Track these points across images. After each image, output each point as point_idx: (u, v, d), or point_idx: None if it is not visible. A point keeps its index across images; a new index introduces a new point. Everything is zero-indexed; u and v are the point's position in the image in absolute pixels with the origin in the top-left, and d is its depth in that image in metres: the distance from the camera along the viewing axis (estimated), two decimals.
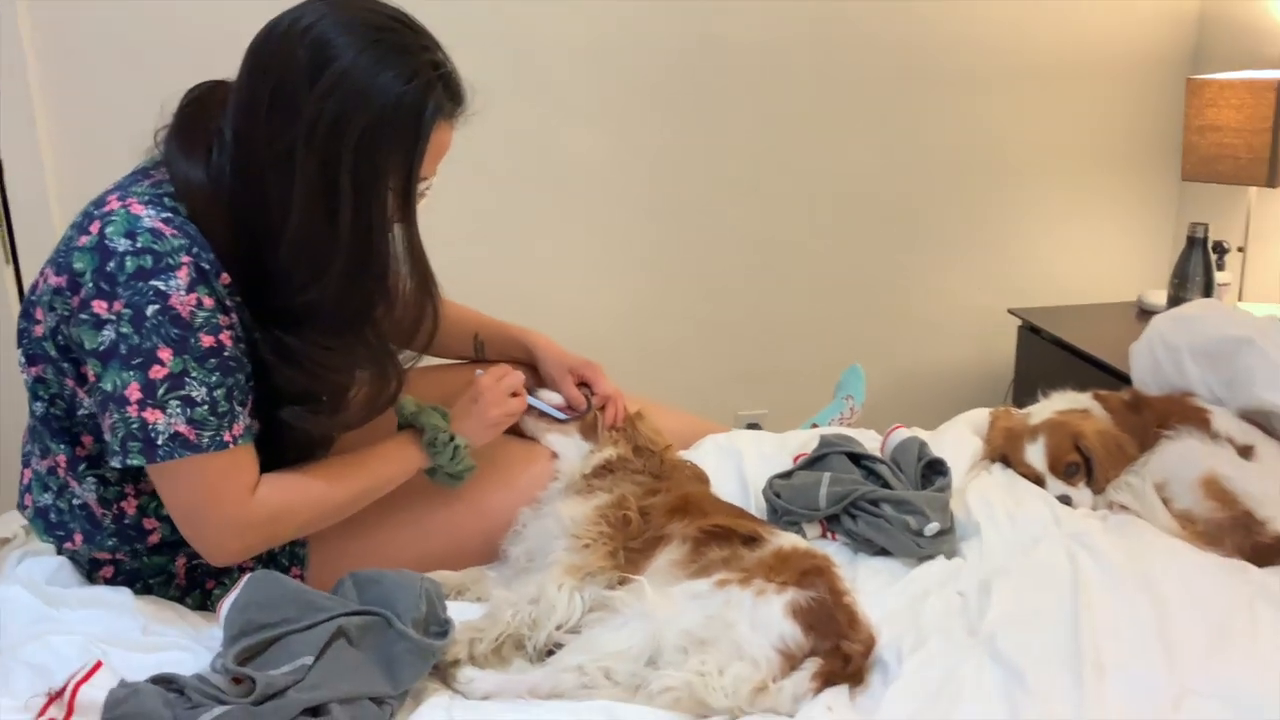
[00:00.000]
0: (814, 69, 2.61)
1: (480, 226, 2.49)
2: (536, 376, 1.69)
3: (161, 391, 1.22)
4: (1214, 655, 1.22)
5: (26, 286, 2.30)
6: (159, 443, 1.22)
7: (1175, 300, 2.36)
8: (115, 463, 1.24)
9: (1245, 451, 1.63)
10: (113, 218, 1.23)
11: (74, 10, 2.23)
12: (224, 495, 1.28)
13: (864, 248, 2.77)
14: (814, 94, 2.63)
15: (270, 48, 1.25)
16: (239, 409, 1.28)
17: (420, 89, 1.24)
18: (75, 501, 1.35)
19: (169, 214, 1.24)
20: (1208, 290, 2.36)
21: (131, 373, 1.21)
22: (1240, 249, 2.52)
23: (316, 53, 1.22)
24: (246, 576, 1.24)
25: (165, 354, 1.21)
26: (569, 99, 2.51)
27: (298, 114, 1.21)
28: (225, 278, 1.27)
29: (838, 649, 1.23)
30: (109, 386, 1.22)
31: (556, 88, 2.50)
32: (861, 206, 2.74)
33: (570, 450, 1.60)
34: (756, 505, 1.62)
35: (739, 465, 1.69)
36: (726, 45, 2.55)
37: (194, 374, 1.23)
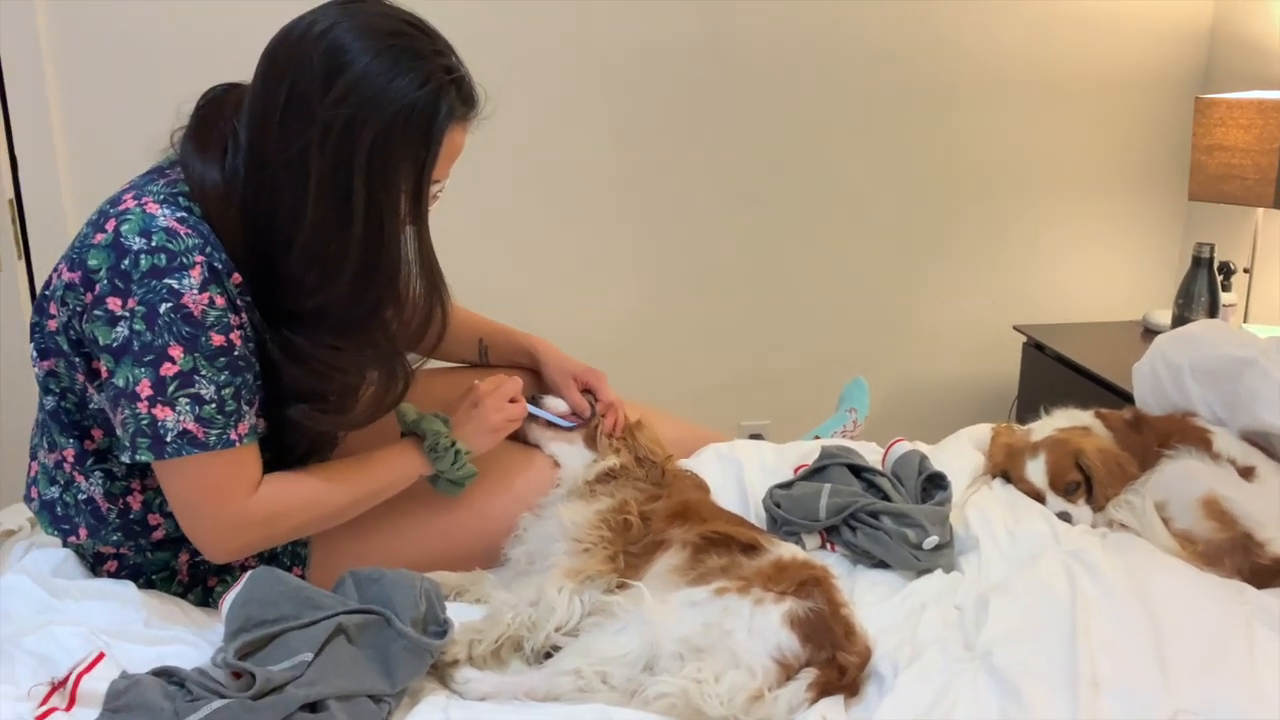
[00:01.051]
0: (820, 79, 2.62)
1: (482, 232, 2.51)
2: (540, 383, 1.70)
3: (172, 389, 1.23)
4: (1209, 675, 1.22)
5: (38, 282, 2.34)
6: (167, 439, 1.24)
7: (1180, 320, 2.36)
8: (125, 458, 1.25)
9: (1246, 473, 1.63)
10: (128, 216, 1.24)
11: (89, 11, 2.25)
12: (226, 493, 1.29)
13: (869, 260, 2.78)
14: (819, 105, 2.64)
15: (285, 53, 1.26)
16: (246, 408, 1.29)
17: (433, 93, 1.25)
18: (81, 496, 1.36)
19: (183, 213, 1.26)
20: (1213, 311, 2.36)
21: (143, 369, 1.22)
22: (1246, 270, 2.52)
23: (330, 58, 1.23)
24: (248, 573, 1.25)
25: (176, 351, 1.22)
26: (572, 106, 2.52)
27: (312, 119, 1.23)
28: (237, 278, 1.28)
29: (834, 660, 1.23)
30: (121, 382, 1.23)
31: (559, 94, 2.51)
32: (866, 219, 2.75)
33: (574, 458, 1.61)
34: (756, 515, 1.62)
35: (739, 475, 1.70)
36: (731, 53, 2.56)
37: (204, 372, 1.24)
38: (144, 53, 2.29)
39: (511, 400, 1.53)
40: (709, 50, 2.55)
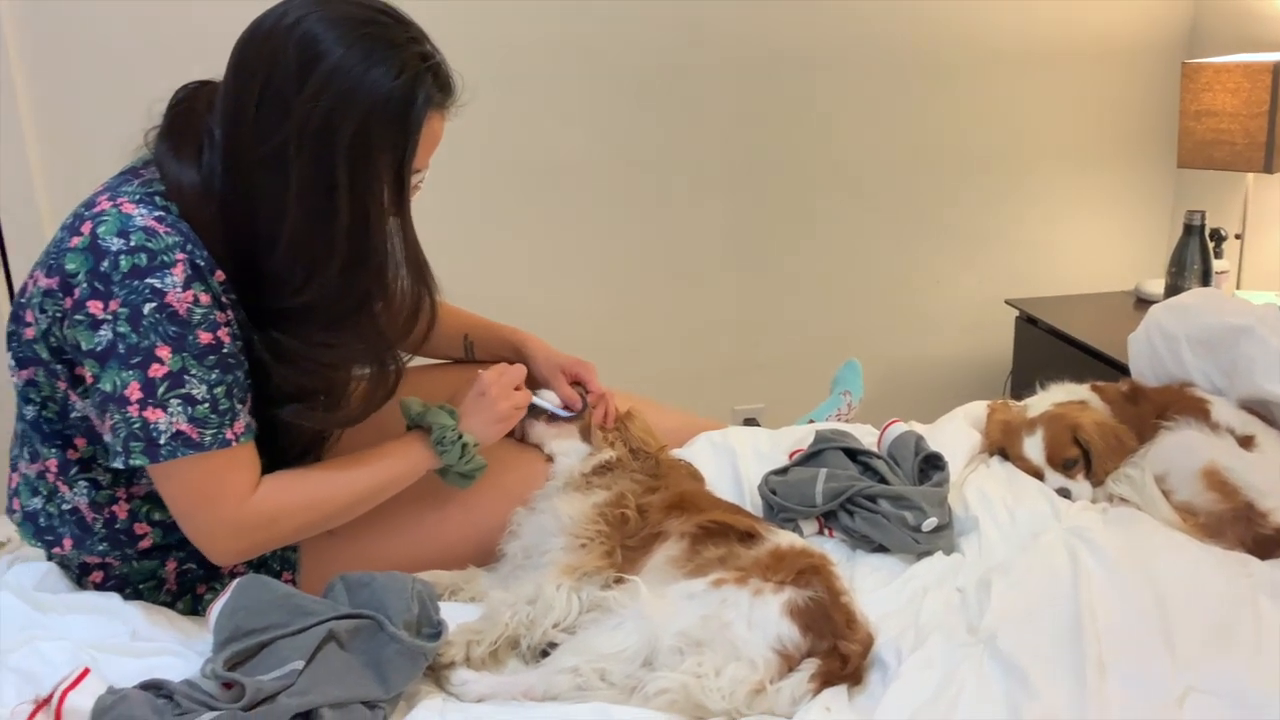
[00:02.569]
0: (804, 61, 2.59)
1: (464, 225, 2.47)
2: (528, 377, 1.67)
3: (162, 390, 1.21)
4: (1217, 651, 1.21)
5: (16, 289, 2.31)
6: (161, 442, 1.21)
7: (1173, 289, 2.35)
8: (118, 464, 1.23)
9: (1246, 442, 1.62)
10: (104, 217, 1.22)
11: (58, 12, 2.21)
12: (225, 494, 1.27)
13: (858, 240, 2.76)
14: (804, 86, 2.62)
15: (256, 47, 1.24)
16: (239, 406, 1.27)
17: (409, 82, 1.23)
18: (65, 506, 1.34)
19: (160, 212, 1.24)
20: (1206, 279, 2.35)
21: (131, 372, 1.20)
22: (1238, 236, 2.51)
23: (303, 50, 1.21)
24: (235, 582, 1.22)
25: (164, 352, 1.20)
26: (552, 95, 2.49)
27: (288, 114, 1.20)
28: (220, 275, 1.26)
29: (835, 649, 1.22)
30: (108, 387, 1.21)
31: (539, 84, 2.48)
32: (854, 198, 2.73)
33: (569, 451, 1.58)
34: (752, 503, 1.61)
35: (734, 463, 1.68)
36: (714, 34, 2.53)
37: (193, 371, 1.22)
38: (115, 53, 2.25)
39: (516, 389, 1.51)
40: (691, 31, 2.52)
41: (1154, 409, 1.71)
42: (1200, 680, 1.16)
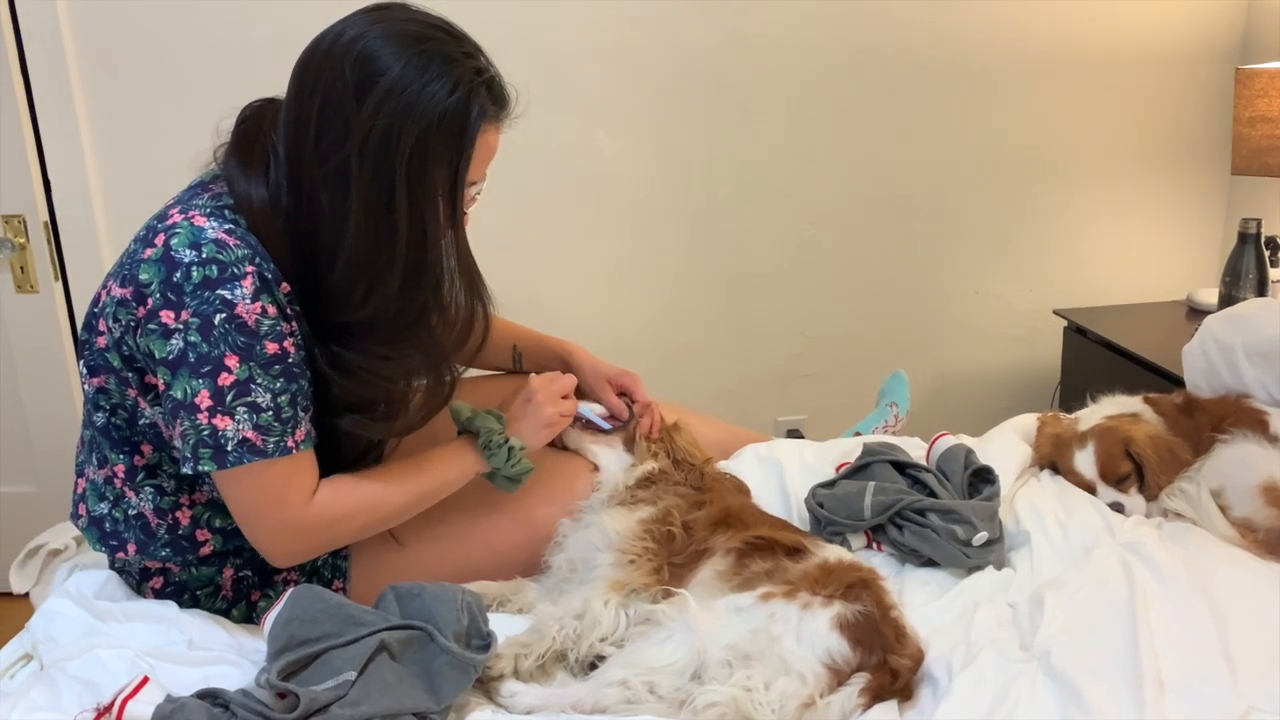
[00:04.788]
0: (847, 66, 2.57)
1: (512, 235, 2.49)
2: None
3: (230, 398, 1.24)
4: (1279, 670, 1.18)
5: (75, 302, 2.36)
6: (229, 449, 1.24)
7: (1228, 299, 2.30)
8: (186, 469, 1.26)
9: None
10: (177, 230, 1.25)
11: (117, 26, 2.26)
12: (286, 499, 1.30)
13: (902, 249, 2.73)
14: (847, 92, 2.59)
15: (315, 65, 1.26)
16: (301, 414, 1.29)
17: (465, 96, 1.25)
18: (131, 511, 1.37)
19: (230, 225, 1.27)
20: (1262, 288, 2.30)
21: (201, 380, 1.23)
22: None
23: (361, 68, 1.23)
24: (289, 591, 1.24)
25: (233, 361, 1.23)
26: (595, 103, 2.50)
27: (348, 131, 1.23)
28: (285, 287, 1.29)
29: (886, 663, 1.21)
30: (179, 394, 1.24)
31: (582, 92, 2.48)
32: (898, 206, 2.70)
33: (613, 461, 1.59)
34: (799, 516, 1.60)
35: (780, 475, 1.67)
36: (755, 45, 2.52)
37: (259, 380, 1.24)
38: (173, 73, 2.29)
39: (564, 397, 1.52)
40: (736, 43, 2.51)
41: (1209, 421, 1.68)
42: (1262, 700, 1.13)
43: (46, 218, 2.31)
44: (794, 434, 2.65)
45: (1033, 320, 2.78)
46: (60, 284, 2.35)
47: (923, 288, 2.77)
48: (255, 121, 1.34)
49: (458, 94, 1.24)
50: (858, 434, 1.95)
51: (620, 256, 2.62)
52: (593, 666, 1.29)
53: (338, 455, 1.38)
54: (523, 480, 1.47)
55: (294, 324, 1.30)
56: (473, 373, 1.68)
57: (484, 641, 1.24)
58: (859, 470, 1.62)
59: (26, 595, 1.54)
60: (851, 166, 2.65)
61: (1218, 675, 1.17)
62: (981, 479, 1.60)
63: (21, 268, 2.31)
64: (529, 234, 2.54)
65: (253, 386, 1.24)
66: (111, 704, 1.10)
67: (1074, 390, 2.49)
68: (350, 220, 1.25)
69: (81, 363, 1.35)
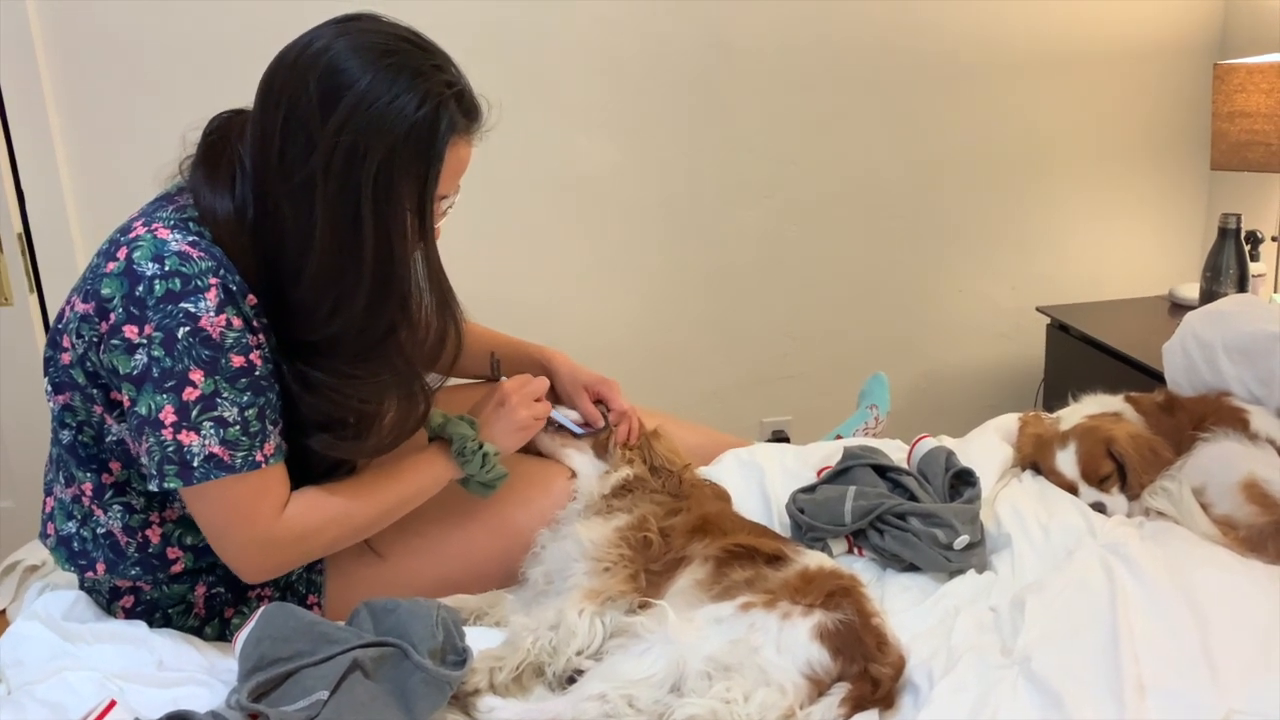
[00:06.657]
0: (829, 68, 2.57)
1: (493, 237, 2.47)
2: (552, 394, 1.67)
3: (195, 413, 1.22)
4: (1261, 671, 1.17)
5: (51, 315, 2.33)
6: (194, 464, 1.22)
7: (1208, 294, 2.30)
8: (152, 486, 1.24)
9: None
10: (139, 243, 1.23)
11: (89, 37, 2.24)
12: (255, 514, 1.28)
13: (885, 248, 2.73)
14: (830, 93, 2.59)
15: (281, 77, 1.24)
16: (270, 428, 1.27)
17: (434, 110, 1.23)
18: (99, 530, 1.35)
19: (195, 237, 1.25)
20: (1242, 283, 2.30)
21: (165, 395, 1.21)
22: (1275, 239, 2.45)
23: (328, 81, 1.21)
24: (261, 609, 1.22)
25: (197, 375, 1.21)
26: (577, 106, 2.49)
27: (313, 146, 1.21)
28: (252, 299, 1.27)
29: (866, 672, 1.20)
30: (144, 410, 1.22)
31: (564, 95, 2.47)
32: (880, 205, 2.70)
33: (588, 469, 1.58)
34: (780, 522, 1.59)
35: (761, 481, 1.66)
36: (736, 46, 2.51)
37: (225, 394, 1.23)
38: (148, 83, 2.27)
39: (536, 400, 1.51)
40: (718, 44, 2.50)
41: (1190, 420, 1.67)
42: (1244, 702, 1.13)
43: (21, 229, 2.28)
44: (779, 435, 2.64)
45: (1016, 318, 2.78)
46: (35, 296, 2.32)
47: (906, 287, 2.77)
48: (222, 133, 1.32)
49: (426, 107, 1.22)
50: (838, 437, 1.94)
51: (603, 259, 2.61)
52: (571, 681, 1.27)
53: (308, 468, 1.36)
54: (497, 486, 1.46)
55: (261, 336, 1.28)
56: (451, 383, 1.66)
57: (460, 657, 1.22)
58: (840, 475, 1.61)
59: (3, 612, 1.53)
60: (834, 166, 2.64)
61: (1199, 678, 1.16)
62: (963, 481, 1.59)
63: None
64: (512, 237, 2.53)
65: (218, 400, 1.22)
66: None
67: (1058, 387, 2.48)
68: (315, 236, 1.23)
69: (46, 380, 1.33)
